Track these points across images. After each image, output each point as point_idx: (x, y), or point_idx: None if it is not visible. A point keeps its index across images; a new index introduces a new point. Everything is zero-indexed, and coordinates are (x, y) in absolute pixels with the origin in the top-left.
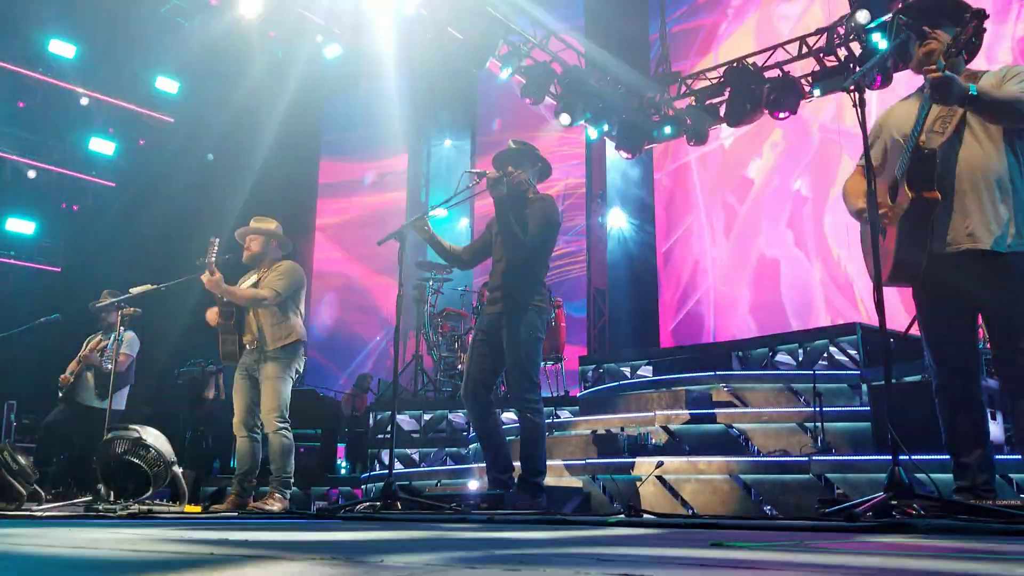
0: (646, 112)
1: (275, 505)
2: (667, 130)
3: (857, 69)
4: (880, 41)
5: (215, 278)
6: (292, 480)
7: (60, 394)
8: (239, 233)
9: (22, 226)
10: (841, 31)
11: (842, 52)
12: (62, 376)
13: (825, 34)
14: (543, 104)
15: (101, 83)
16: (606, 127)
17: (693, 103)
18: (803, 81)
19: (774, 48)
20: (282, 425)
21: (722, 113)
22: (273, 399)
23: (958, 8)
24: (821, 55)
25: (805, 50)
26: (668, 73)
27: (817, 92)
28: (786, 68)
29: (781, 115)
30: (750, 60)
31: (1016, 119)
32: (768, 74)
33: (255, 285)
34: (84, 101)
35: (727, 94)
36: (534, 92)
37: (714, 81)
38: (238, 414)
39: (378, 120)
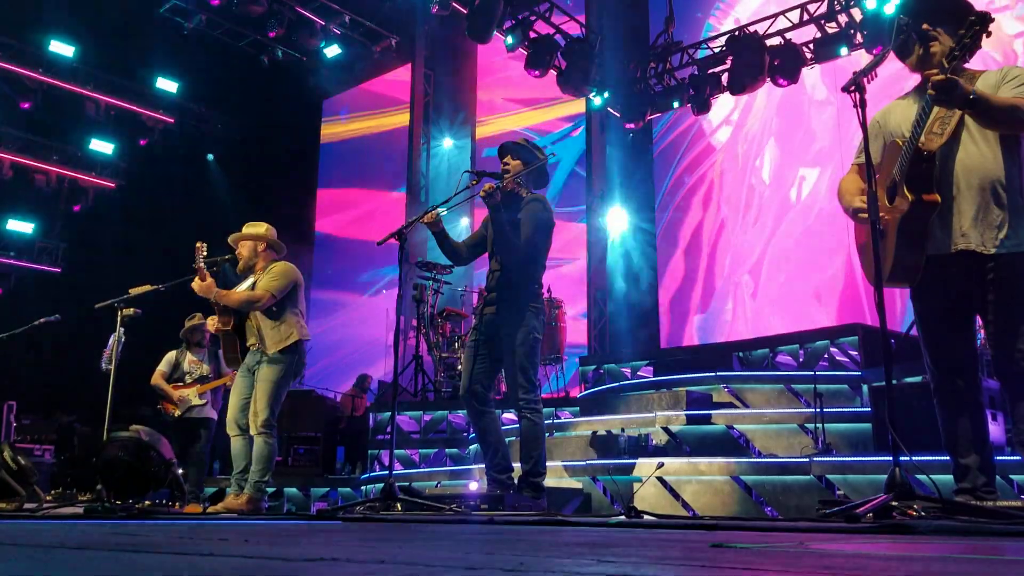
0: (648, 82)
1: (244, 506)
2: (670, 102)
3: (857, 35)
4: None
5: (206, 283)
6: (269, 485)
7: (176, 415)
8: (231, 240)
9: (22, 226)
10: None
11: (843, 18)
12: (179, 399)
13: (826, 1)
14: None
15: (101, 83)
16: (607, 95)
17: (696, 72)
18: (804, 48)
19: (775, 16)
20: (266, 430)
21: (724, 82)
22: (264, 402)
23: (961, 8)
24: (822, 22)
25: (806, 17)
26: (670, 43)
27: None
28: (787, 36)
29: (783, 83)
30: (751, 28)
31: (1011, 125)
32: (770, 42)
33: (251, 288)
34: (84, 101)
35: (729, 63)
36: (538, 65)
37: (716, 50)
38: (231, 411)
39: (378, 120)
